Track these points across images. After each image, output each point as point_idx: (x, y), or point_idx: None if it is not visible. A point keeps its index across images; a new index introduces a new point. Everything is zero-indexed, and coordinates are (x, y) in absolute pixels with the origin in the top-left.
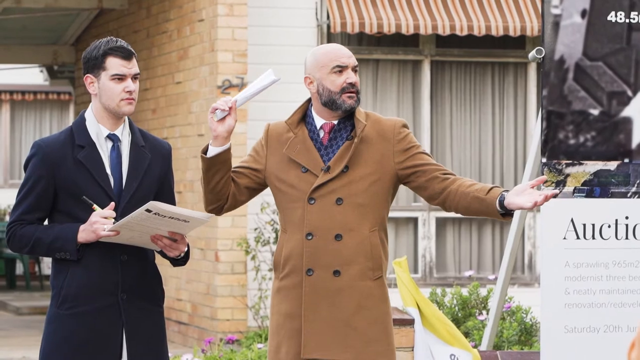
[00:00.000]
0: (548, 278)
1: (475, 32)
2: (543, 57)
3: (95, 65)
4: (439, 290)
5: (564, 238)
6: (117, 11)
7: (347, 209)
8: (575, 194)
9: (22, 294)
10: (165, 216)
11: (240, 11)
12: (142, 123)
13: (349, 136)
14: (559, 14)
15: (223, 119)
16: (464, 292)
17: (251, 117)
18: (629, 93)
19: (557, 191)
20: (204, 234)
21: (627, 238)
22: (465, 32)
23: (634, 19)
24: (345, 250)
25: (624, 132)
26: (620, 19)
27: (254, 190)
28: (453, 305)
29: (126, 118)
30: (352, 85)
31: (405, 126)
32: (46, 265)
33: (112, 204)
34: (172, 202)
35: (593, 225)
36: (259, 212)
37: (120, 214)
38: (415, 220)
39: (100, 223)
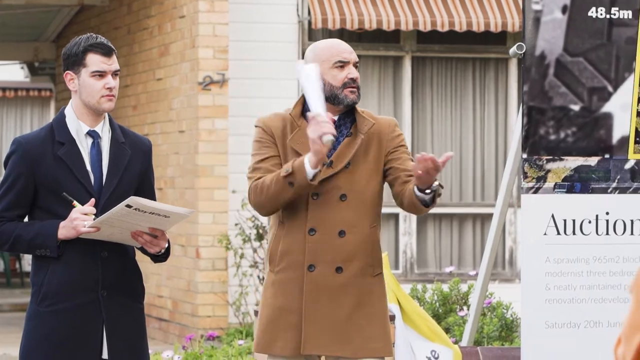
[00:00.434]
0: (528, 274)
1: (457, 28)
2: (524, 53)
3: (76, 62)
4: (419, 286)
5: (545, 234)
6: (98, 8)
7: (351, 205)
8: (555, 190)
9: (3, 291)
10: (145, 212)
11: (221, 7)
12: (123, 119)
13: (349, 132)
14: (540, 10)
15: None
16: (445, 288)
17: (232, 114)
18: (610, 89)
19: (450, 153)
20: (185, 231)
21: (607, 234)
22: (446, 28)
23: (614, 14)
24: (348, 246)
25: (604, 127)
26: (601, 14)
27: None
28: (434, 301)
29: (106, 114)
30: (353, 80)
31: (397, 125)
32: (27, 262)
33: (93, 200)
34: (153, 198)
35: (574, 221)
36: (240, 208)
37: (101, 210)
38: (396, 217)
39: (80, 219)
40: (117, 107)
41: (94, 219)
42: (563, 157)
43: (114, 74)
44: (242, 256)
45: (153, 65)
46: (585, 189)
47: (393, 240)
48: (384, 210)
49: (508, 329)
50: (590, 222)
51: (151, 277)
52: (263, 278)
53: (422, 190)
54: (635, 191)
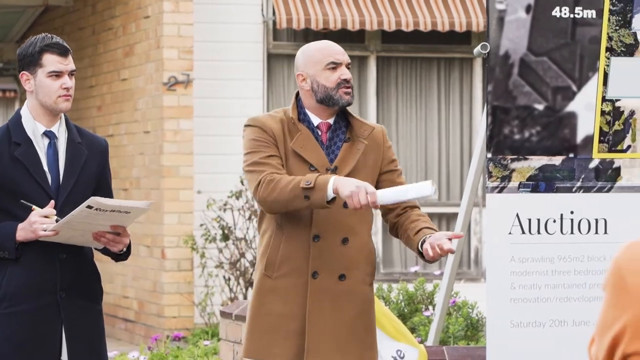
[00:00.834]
0: (493, 273)
1: (421, 28)
2: (488, 53)
3: (32, 62)
4: (385, 286)
5: (510, 233)
6: (63, 8)
7: (352, 212)
8: (520, 189)
9: None
10: (106, 210)
11: (185, 8)
12: (88, 120)
13: (346, 137)
14: (504, 9)
15: None
16: (410, 287)
17: (197, 114)
18: (574, 88)
19: (453, 249)
20: (151, 231)
21: (572, 233)
22: (411, 28)
23: (578, 14)
24: (351, 254)
25: (568, 127)
26: (565, 14)
27: None
28: (399, 301)
29: (62, 115)
30: (346, 81)
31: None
32: None
33: (52, 202)
34: (110, 196)
35: (538, 220)
36: (205, 208)
37: (59, 211)
38: None
39: (39, 222)
40: (82, 107)
41: (56, 221)
42: (527, 157)
43: (70, 74)
44: (202, 255)
45: (118, 66)
46: (550, 188)
47: None
48: None
49: (473, 329)
50: (554, 221)
51: (117, 277)
52: (229, 279)
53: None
54: (599, 190)
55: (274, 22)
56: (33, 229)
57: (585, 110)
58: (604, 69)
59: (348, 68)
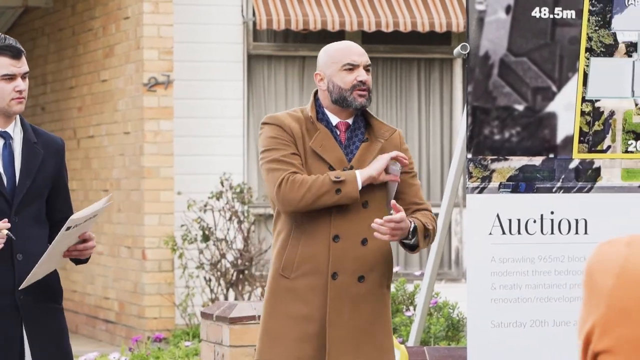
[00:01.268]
0: (474, 273)
1: (401, 29)
2: (468, 53)
3: None
4: None
5: (490, 233)
6: (42, 9)
7: (371, 213)
8: (500, 190)
9: None
10: (81, 223)
11: (165, 8)
12: (68, 121)
13: (365, 137)
14: (484, 10)
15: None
16: (391, 288)
17: (178, 115)
18: (554, 88)
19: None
20: (131, 232)
21: (552, 233)
22: (391, 29)
23: (558, 14)
24: (370, 255)
25: (548, 127)
26: (545, 14)
27: None
28: None
29: (17, 115)
30: (362, 83)
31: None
32: None
33: (5, 219)
34: (67, 197)
35: (519, 220)
36: (186, 209)
37: (15, 211)
38: None
39: None
40: (63, 108)
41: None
42: (508, 157)
43: (23, 76)
44: (181, 255)
45: (98, 67)
46: (530, 189)
47: None
48: None
49: (454, 329)
50: (535, 221)
51: (98, 278)
52: (210, 280)
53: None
54: (579, 190)
55: (254, 23)
56: None
57: (565, 110)
58: (584, 69)
59: (368, 70)
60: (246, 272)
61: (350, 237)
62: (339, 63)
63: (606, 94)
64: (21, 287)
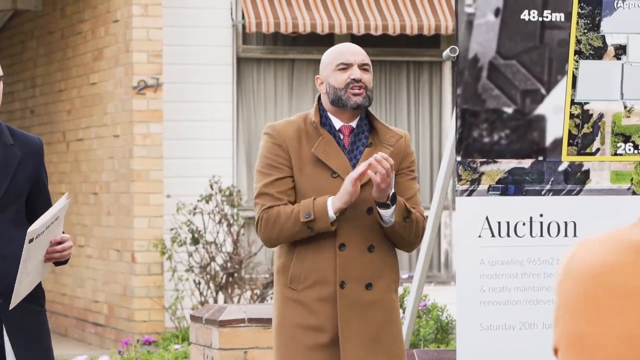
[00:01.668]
0: (463, 276)
1: (390, 32)
2: (457, 56)
3: None
4: None
5: (479, 236)
6: (32, 12)
7: (377, 218)
8: (490, 192)
9: None
10: (43, 231)
11: (155, 11)
12: (57, 124)
13: (368, 142)
14: (473, 13)
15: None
16: None
17: (167, 118)
18: (543, 91)
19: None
20: (121, 235)
21: (541, 235)
22: (380, 32)
23: (546, 17)
24: (377, 262)
25: (537, 130)
26: (533, 17)
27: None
28: None
29: None
30: (355, 80)
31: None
32: None
33: None
34: (47, 198)
35: (508, 223)
36: (175, 212)
37: None
38: None
39: None
40: (52, 111)
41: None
42: (497, 160)
43: None
44: (170, 257)
45: (87, 70)
46: (519, 191)
47: None
48: None
49: (444, 331)
50: (524, 224)
51: (87, 281)
52: (199, 283)
53: (381, 206)
54: (568, 193)
55: (244, 26)
56: None
57: (554, 113)
58: (573, 72)
59: (365, 69)
60: (235, 275)
61: (356, 244)
62: (333, 63)
63: (595, 97)
64: (10, 307)
